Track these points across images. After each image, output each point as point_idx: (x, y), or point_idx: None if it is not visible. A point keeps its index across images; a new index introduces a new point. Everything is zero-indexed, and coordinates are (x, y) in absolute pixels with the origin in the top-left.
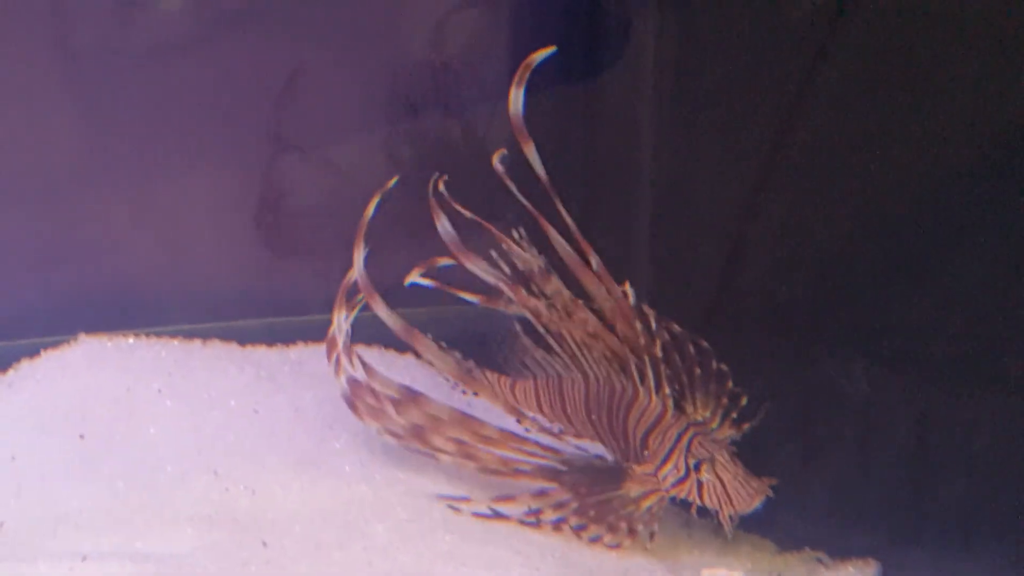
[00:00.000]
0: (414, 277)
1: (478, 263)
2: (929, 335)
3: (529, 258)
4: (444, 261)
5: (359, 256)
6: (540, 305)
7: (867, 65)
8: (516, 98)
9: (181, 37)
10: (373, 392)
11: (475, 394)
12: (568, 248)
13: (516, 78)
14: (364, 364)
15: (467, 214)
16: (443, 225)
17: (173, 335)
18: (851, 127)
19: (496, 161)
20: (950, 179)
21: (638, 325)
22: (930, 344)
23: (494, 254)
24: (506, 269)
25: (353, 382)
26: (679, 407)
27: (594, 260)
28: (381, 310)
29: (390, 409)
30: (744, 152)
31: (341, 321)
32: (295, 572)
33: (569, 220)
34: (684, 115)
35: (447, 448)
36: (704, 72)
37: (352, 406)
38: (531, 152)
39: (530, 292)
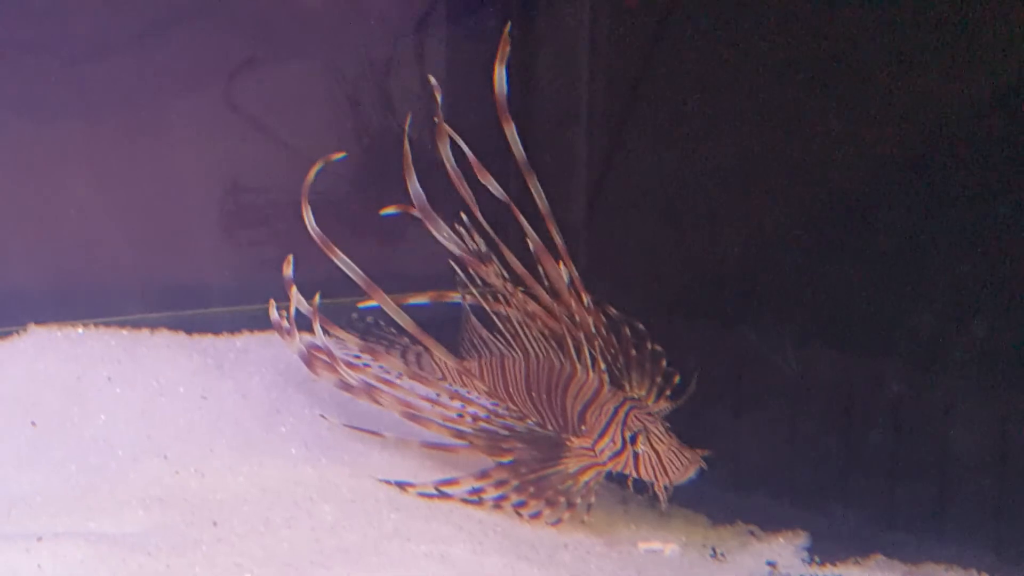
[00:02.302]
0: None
1: (442, 229)
2: (854, 311)
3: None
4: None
5: (307, 212)
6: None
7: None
8: (500, 77)
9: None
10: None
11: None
12: (532, 232)
13: (499, 55)
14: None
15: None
16: (413, 185)
17: (122, 325)
18: (780, 104)
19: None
20: (864, 164)
21: (576, 303)
22: (856, 319)
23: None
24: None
25: (310, 345)
26: (616, 384)
27: (533, 241)
28: (340, 260)
29: (344, 367)
30: (677, 130)
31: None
32: (244, 550)
33: (542, 202)
34: (618, 94)
35: (395, 407)
36: (638, 49)
37: (307, 363)
38: (511, 133)
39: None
